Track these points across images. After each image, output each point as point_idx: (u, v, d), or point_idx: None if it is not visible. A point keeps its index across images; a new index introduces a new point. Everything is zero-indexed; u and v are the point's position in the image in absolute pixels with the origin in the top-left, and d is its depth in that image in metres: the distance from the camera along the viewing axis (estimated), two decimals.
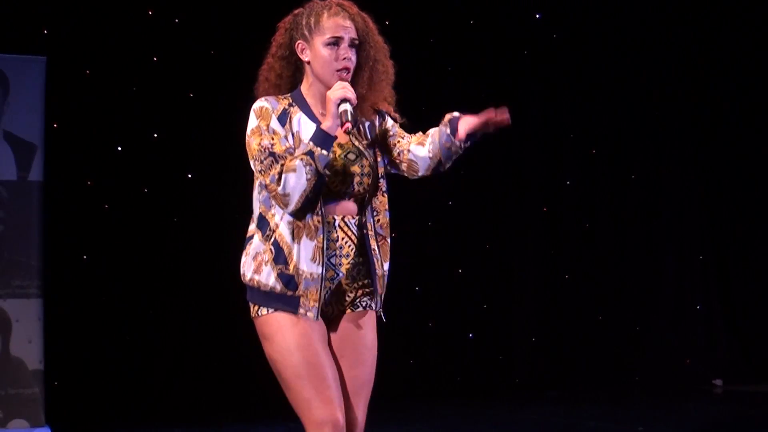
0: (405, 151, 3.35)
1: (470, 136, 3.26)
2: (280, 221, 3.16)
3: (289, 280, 3.15)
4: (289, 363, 3.14)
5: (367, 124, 3.34)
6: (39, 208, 6.73)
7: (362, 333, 3.30)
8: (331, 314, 3.28)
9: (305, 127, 3.20)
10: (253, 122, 3.18)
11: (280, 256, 3.16)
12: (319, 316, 3.19)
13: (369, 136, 3.33)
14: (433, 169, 3.35)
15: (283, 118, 3.19)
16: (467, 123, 3.25)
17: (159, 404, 7.60)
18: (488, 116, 3.24)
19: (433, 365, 8.79)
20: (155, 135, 7.76)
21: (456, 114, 3.29)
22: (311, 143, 3.10)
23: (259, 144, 3.13)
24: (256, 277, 3.18)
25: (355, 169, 3.23)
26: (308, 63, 3.25)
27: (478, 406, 8.12)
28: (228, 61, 7.71)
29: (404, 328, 8.41)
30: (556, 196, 9.41)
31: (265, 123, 3.17)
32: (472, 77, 8.92)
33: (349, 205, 3.24)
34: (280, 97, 3.25)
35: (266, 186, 3.13)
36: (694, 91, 9.64)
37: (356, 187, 3.24)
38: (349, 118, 3.11)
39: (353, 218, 3.25)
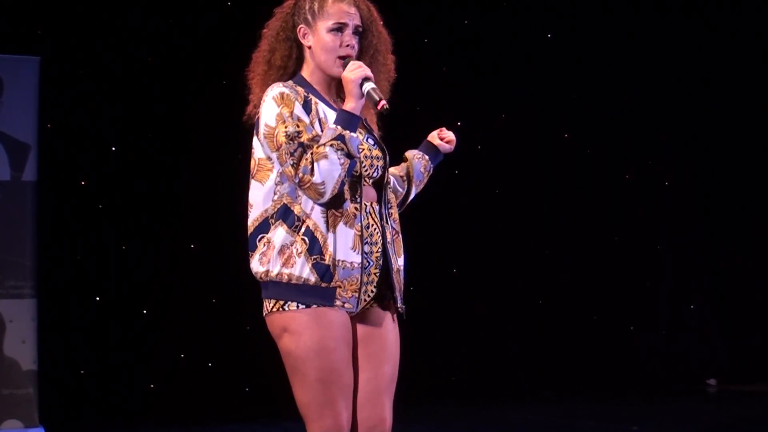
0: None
1: (434, 152, 3.41)
2: (311, 211, 3.03)
3: (325, 271, 3.02)
4: (312, 364, 3.04)
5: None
6: (33, 208, 6.71)
7: (388, 329, 3.23)
8: (361, 307, 3.14)
9: (329, 115, 3.10)
10: (274, 109, 3.03)
11: (314, 247, 3.02)
12: (358, 306, 3.09)
13: (366, 126, 3.27)
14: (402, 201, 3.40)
15: (308, 107, 3.07)
16: (433, 139, 3.42)
17: (153, 405, 7.58)
18: (439, 135, 3.42)
19: (428, 366, 8.77)
20: (149, 135, 7.75)
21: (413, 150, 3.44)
22: (339, 127, 3.00)
23: (285, 133, 2.99)
24: (286, 271, 3.02)
25: (376, 152, 3.17)
26: (309, 48, 3.17)
27: (474, 407, 8.11)
28: (222, 61, 7.68)
29: (399, 329, 8.37)
30: (551, 196, 9.40)
31: (288, 110, 3.02)
32: (466, 77, 8.92)
33: (372, 192, 3.15)
34: (291, 84, 3.12)
35: (299, 178, 2.97)
36: (690, 92, 9.64)
37: (380, 171, 3.16)
38: (381, 95, 3.06)
39: (376, 205, 3.16)
